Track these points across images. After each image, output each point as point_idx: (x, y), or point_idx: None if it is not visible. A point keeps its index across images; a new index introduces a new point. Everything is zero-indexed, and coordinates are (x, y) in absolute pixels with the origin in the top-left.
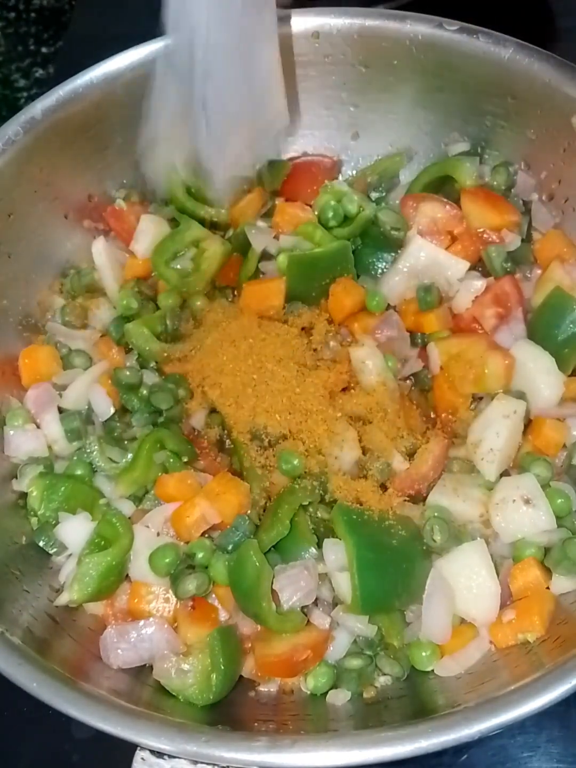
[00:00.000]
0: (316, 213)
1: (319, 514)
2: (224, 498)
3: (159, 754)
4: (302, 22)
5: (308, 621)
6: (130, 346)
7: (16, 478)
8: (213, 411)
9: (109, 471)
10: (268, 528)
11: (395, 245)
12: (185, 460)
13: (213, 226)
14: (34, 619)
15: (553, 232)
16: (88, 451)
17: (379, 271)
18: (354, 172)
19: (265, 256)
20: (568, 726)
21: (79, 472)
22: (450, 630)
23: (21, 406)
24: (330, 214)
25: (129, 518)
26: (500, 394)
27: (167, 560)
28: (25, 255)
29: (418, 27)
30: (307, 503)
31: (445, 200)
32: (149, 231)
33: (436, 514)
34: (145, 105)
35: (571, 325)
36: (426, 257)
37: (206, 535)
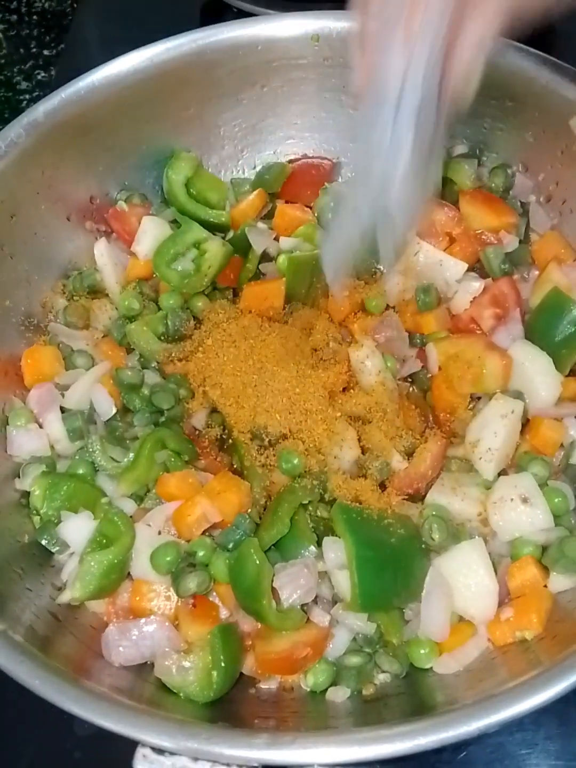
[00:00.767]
0: (315, 215)
1: (318, 513)
2: (225, 497)
3: (160, 750)
4: (302, 24)
5: (308, 619)
6: (131, 347)
7: (19, 477)
8: (214, 411)
9: (110, 470)
10: (268, 526)
11: None
12: (186, 459)
13: (213, 228)
14: (36, 617)
15: (551, 234)
16: (90, 450)
17: (378, 272)
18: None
19: (266, 257)
20: (566, 723)
21: (81, 471)
22: (448, 628)
23: (23, 406)
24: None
25: (130, 517)
26: (498, 394)
27: (168, 558)
28: (28, 256)
29: None
30: (306, 502)
31: (444, 202)
32: (150, 232)
33: (434, 512)
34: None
35: (569, 326)
36: (424, 258)
37: (207, 534)
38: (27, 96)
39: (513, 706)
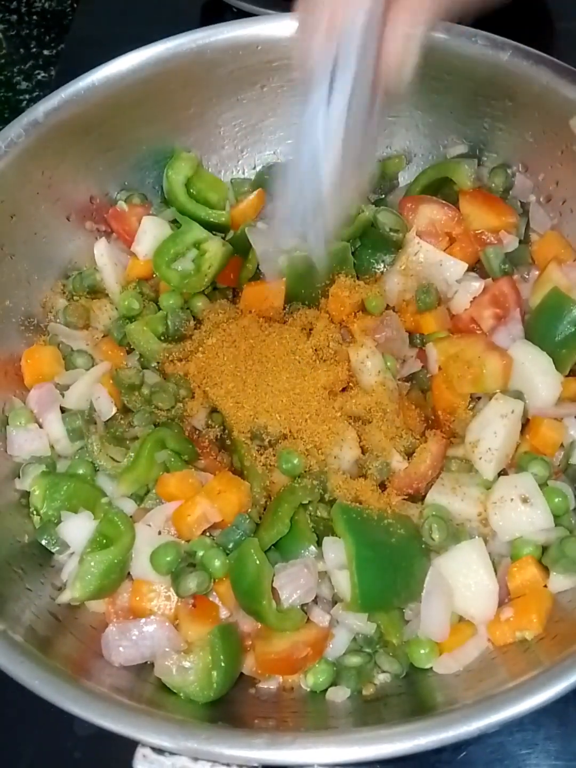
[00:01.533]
0: None
1: (318, 513)
2: (225, 497)
3: (160, 750)
4: None
5: (308, 619)
6: (131, 347)
7: (19, 477)
8: (214, 411)
9: (110, 470)
10: (268, 526)
11: (394, 246)
12: (186, 459)
13: (213, 228)
14: (36, 617)
15: (551, 234)
16: (90, 450)
17: (378, 272)
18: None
19: None
20: (566, 723)
21: (81, 471)
22: (448, 628)
23: (23, 406)
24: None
25: (130, 517)
26: (498, 394)
27: (168, 558)
28: (28, 256)
29: None
30: (306, 502)
31: (444, 202)
32: (150, 232)
33: (434, 512)
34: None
35: (569, 326)
36: (424, 258)
37: (207, 534)
38: (27, 96)
39: (513, 707)
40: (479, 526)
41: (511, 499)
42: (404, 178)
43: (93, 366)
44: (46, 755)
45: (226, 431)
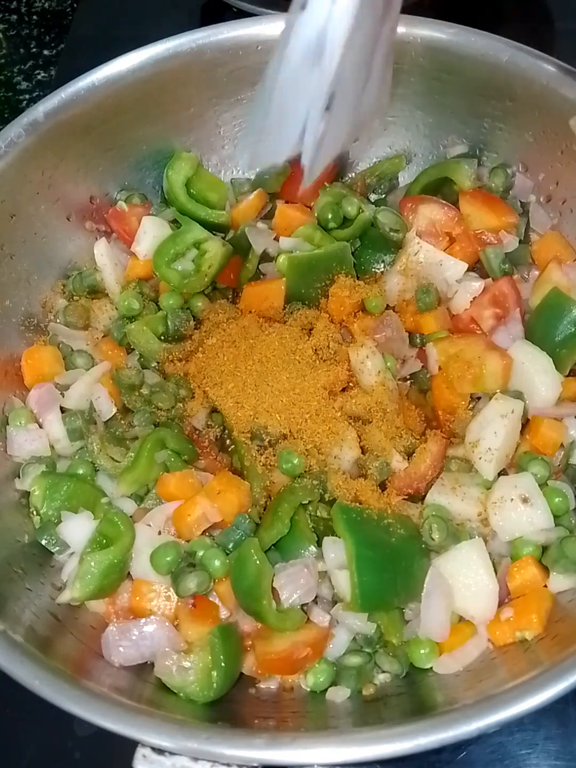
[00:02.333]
0: (315, 215)
1: (318, 513)
2: (225, 497)
3: (160, 750)
4: None
5: (308, 619)
6: (131, 347)
7: (19, 477)
8: (214, 411)
9: (110, 470)
10: (268, 526)
11: (394, 246)
12: (186, 459)
13: (213, 228)
14: (36, 617)
15: (551, 234)
16: (90, 450)
17: (378, 272)
18: (353, 174)
19: (265, 257)
20: (566, 724)
21: (81, 471)
22: (448, 628)
23: (24, 406)
24: (329, 216)
25: (130, 517)
26: (498, 394)
27: (168, 558)
28: (28, 256)
29: (416, 30)
30: (306, 502)
31: (444, 202)
32: (150, 232)
33: (434, 513)
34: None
35: (569, 326)
36: (425, 258)
37: (207, 534)
38: (27, 96)
39: (513, 707)
40: (479, 526)
41: (511, 499)
42: (404, 178)
43: (93, 366)
44: (46, 755)
45: (226, 431)
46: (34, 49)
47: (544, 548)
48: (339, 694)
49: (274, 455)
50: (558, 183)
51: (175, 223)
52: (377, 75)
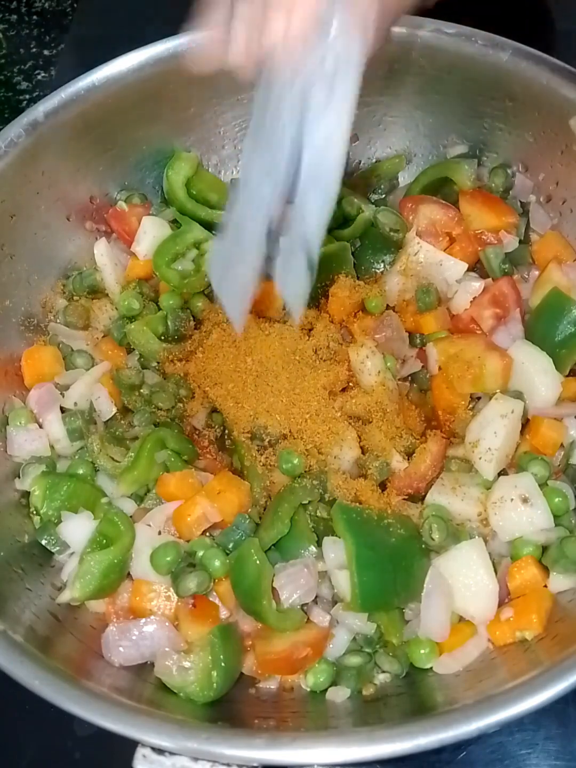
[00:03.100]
0: None
1: (318, 513)
2: (225, 497)
3: (160, 750)
4: None
5: (308, 619)
6: (131, 347)
7: (19, 477)
8: (214, 411)
9: (110, 470)
10: (268, 526)
11: (394, 246)
12: (186, 459)
13: (213, 228)
14: (36, 617)
15: (551, 234)
16: (90, 450)
17: (378, 272)
18: (354, 174)
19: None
20: (566, 724)
21: (81, 471)
22: (448, 628)
23: (24, 406)
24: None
25: (130, 517)
26: (498, 394)
27: (168, 559)
28: (28, 256)
29: (416, 30)
30: (306, 502)
31: (444, 202)
32: (150, 232)
33: (434, 513)
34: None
35: (569, 326)
36: (425, 258)
37: (207, 534)
38: (27, 96)
39: (513, 707)
40: (479, 526)
41: (511, 499)
42: (404, 178)
43: (93, 366)
44: (45, 755)
45: (226, 431)
46: (34, 49)
47: (544, 548)
48: (339, 694)
49: (274, 455)
50: (558, 183)
51: (175, 223)
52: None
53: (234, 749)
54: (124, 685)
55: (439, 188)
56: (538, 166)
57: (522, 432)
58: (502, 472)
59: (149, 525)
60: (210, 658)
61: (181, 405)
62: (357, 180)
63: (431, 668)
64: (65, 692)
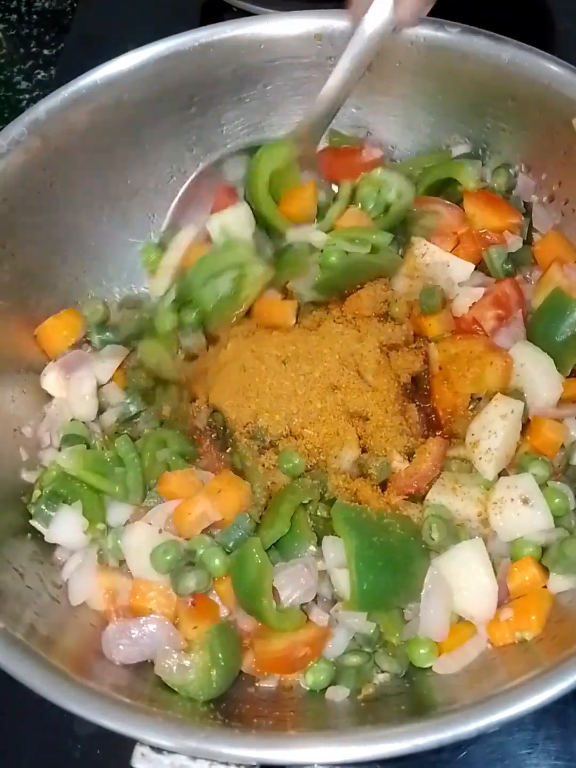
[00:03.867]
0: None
1: (318, 513)
2: (225, 496)
3: (158, 749)
4: (305, 23)
5: (308, 618)
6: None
7: (26, 470)
8: (215, 411)
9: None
10: (268, 526)
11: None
12: (187, 459)
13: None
14: (37, 616)
15: (553, 234)
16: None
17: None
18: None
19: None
20: (565, 724)
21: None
22: (448, 628)
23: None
24: (371, 205)
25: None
26: (499, 394)
27: (168, 557)
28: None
29: (419, 29)
30: (306, 501)
31: (449, 203)
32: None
33: (434, 512)
34: None
35: (570, 327)
36: (431, 260)
37: (207, 533)
38: (27, 95)
39: (513, 707)
40: (479, 526)
41: (512, 500)
42: None
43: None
44: (45, 754)
45: (227, 431)
46: (34, 49)
47: (544, 549)
48: (338, 694)
49: (275, 455)
50: (561, 183)
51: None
52: None
53: (232, 748)
54: (124, 683)
55: (443, 188)
56: (540, 166)
57: (523, 432)
58: (503, 473)
59: (150, 523)
60: (209, 656)
61: (183, 405)
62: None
63: (430, 668)
64: (64, 691)
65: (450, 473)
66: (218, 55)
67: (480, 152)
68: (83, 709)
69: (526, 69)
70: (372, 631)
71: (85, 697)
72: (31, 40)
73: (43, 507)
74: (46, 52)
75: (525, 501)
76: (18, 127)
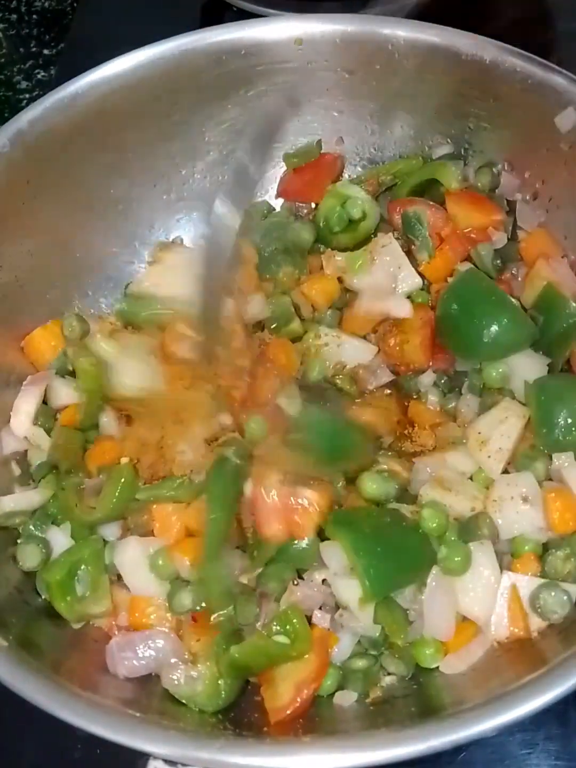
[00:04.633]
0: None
1: None
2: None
3: (172, 762)
4: (285, 28)
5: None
6: None
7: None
8: None
9: None
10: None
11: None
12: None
13: None
14: (40, 633)
15: (538, 231)
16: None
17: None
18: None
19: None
20: (566, 724)
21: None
22: (453, 626)
23: None
24: (334, 220)
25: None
26: (508, 397)
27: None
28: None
29: (398, 31)
30: None
31: (431, 203)
32: None
33: (428, 505)
34: None
35: (563, 322)
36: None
37: None
38: (27, 96)
39: (526, 705)
40: None
41: (512, 498)
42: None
43: None
44: (46, 755)
45: None
46: (34, 49)
47: (545, 546)
48: (346, 698)
49: None
50: (544, 181)
51: None
52: None
53: (249, 757)
54: (130, 696)
55: (426, 189)
56: (523, 164)
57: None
58: (503, 471)
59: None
60: (216, 666)
61: None
62: (369, 176)
63: (438, 668)
64: (72, 707)
65: (445, 470)
66: (200, 62)
67: (462, 152)
68: (93, 724)
69: (508, 68)
70: (377, 633)
71: (94, 712)
72: (31, 40)
73: (31, 527)
74: (46, 52)
75: (525, 499)
76: (0, 138)
